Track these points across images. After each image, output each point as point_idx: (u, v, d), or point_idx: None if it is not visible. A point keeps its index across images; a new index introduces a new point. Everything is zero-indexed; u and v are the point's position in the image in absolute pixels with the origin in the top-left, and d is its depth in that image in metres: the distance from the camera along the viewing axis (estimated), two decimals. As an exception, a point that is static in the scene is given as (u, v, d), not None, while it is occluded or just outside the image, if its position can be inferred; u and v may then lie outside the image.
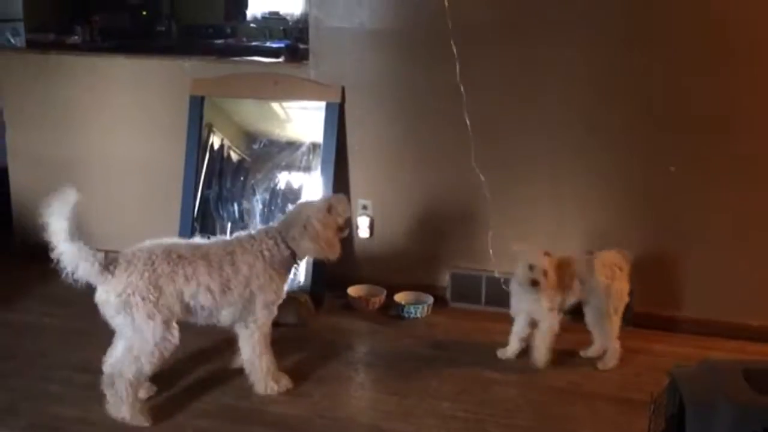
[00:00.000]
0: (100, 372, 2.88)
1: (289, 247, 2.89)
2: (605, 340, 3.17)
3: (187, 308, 2.76)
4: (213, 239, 2.97)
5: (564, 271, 3.09)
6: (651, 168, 3.50)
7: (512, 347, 3.23)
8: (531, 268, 3.01)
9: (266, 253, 2.85)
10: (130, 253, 2.71)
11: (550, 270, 3.02)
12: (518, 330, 3.21)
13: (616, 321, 3.15)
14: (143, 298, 2.64)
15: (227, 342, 3.10)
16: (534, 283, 3.00)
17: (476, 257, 3.77)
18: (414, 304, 3.72)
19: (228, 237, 3.11)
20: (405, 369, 3.19)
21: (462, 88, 3.60)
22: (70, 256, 2.58)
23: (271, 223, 3.11)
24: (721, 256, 3.49)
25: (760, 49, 3.29)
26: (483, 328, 3.58)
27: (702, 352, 3.31)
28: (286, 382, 2.98)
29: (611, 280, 3.11)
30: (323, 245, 2.91)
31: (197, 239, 2.97)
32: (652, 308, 3.58)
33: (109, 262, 2.65)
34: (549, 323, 3.11)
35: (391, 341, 3.46)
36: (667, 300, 3.58)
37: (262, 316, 2.88)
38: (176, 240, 2.93)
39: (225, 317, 2.86)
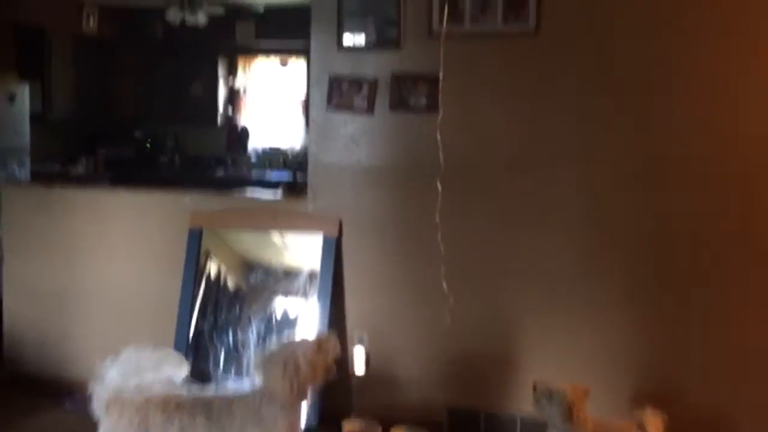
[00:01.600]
0: None
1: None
2: None
3: None
4: (216, 389, 2.89)
5: None
6: (646, 305, 3.49)
7: None
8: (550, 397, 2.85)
9: (263, 412, 2.72)
10: (129, 393, 2.65)
11: (579, 403, 2.82)
12: None
13: None
14: None
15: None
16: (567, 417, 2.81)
17: (474, 394, 3.70)
18: (410, 441, 3.63)
19: (233, 387, 3.04)
20: None
21: (440, 226, 3.67)
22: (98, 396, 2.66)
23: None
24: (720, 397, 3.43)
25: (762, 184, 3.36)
26: (481, 468, 3.47)
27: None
28: None
29: None
30: (296, 387, 2.72)
31: (198, 388, 2.87)
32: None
33: (110, 402, 2.62)
34: None
35: (386, 481, 3.34)
36: None
37: None
38: (176, 383, 2.82)
39: None
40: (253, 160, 7.09)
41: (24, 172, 5.21)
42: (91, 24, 7.01)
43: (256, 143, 7.19)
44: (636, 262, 3.49)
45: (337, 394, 3.81)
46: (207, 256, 4.00)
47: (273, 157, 7.09)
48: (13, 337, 4.31)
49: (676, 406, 3.44)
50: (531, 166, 3.57)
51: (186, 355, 3.85)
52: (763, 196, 3.34)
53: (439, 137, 3.64)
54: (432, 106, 3.66)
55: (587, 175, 3.51)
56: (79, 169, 6.18)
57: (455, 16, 3.59)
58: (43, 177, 5.12)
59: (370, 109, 3.76)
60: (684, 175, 3.41)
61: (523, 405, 3.60)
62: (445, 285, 3.70)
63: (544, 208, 3.57)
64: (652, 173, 3.44)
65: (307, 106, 4.80)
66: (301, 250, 3.92)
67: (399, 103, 3.72)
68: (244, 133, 7.14)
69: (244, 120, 7.22)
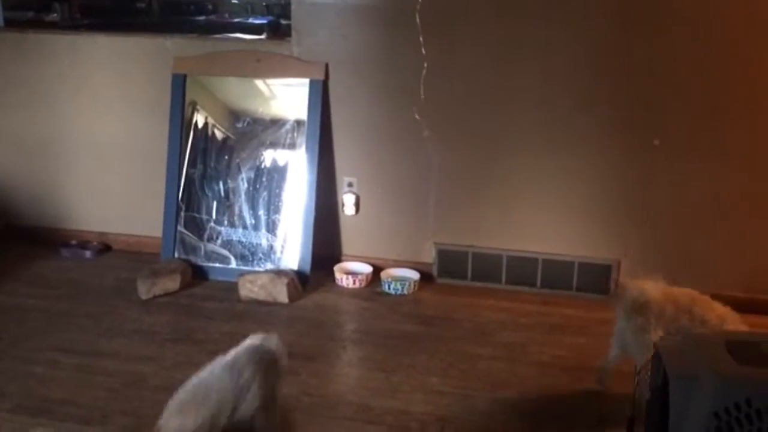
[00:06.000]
0: (85, 354, 2.87)
1: None
2: None
3: None
4: None
5: None
6: (638, 143, 3.50)
7: None
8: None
9: None
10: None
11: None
12: None
13: None
14: None
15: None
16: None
17: (462, 233, 3.78)
18: (400, 280, 3.73)
19: None
20: (392, 345, 3.20)
21: (426, 64, 3.60)
22: None
23: None
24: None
25: (751, 30, 3.28)
26: (469, 304, 3.60)
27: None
28: None
29: None
30: None
31: None
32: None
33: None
34: None
35: (377, 318, 3.47)
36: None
37: None
38: None
39: None
40: (234, 1, 6.87)
41: (-5, 19, 5.00)
42: None
43: (236, -15, 6.94)
44: (626, 100, 3.47)
45: (328, 238, 3.88)
46: (193, 108, 3.94)
47: (255, 1, 6.85)
48: (5, 189, 4.32)
49: (665, 242, 3.55)
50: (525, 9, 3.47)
51: (178, 205, 3.89)
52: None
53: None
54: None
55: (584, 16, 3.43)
56: (54, 15, 5.94)
57: None
58: (16, 24, 4.91)
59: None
60: (674, 21, 3.33)
61: (510, 243, 3.70)
62: (419, 118, 3.68)
63: (540, 48, 3.50)
64: (648, 19, 3.36)
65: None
66: (287, 98, 3.86)
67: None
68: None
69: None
